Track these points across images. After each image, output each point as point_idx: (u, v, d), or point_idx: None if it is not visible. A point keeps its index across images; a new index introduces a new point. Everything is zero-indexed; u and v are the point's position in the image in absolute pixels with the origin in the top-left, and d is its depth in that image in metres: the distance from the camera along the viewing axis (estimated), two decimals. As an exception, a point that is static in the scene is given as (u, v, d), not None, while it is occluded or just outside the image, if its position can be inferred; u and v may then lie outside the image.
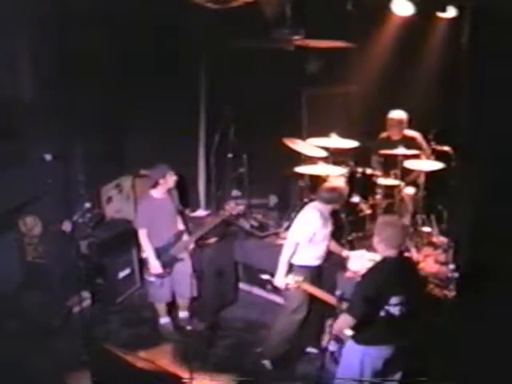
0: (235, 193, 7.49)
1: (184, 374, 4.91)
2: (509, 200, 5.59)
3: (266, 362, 5.46)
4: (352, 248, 6.29)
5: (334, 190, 5.32)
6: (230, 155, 7.14)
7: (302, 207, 6.67)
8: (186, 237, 6.01)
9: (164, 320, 6.07)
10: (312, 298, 5.12)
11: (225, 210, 5.97)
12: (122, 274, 6.60)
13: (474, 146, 6.17)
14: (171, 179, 5.84)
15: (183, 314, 6.13)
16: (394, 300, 4.07)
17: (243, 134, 7.15)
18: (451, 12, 6.67)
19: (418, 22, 6.87)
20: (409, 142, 6.53)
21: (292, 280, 4.81)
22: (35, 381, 5.15)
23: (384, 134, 6.81)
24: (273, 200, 7.80)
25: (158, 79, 6.95)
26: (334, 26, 7.01)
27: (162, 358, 5.56)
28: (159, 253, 5.79)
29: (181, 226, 6.04)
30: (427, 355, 5.07)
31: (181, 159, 7.42)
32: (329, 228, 5.42)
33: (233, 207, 5.92)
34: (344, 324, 4.10)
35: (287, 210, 7.36)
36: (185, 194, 7.39)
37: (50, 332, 5.78)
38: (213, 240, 6.39)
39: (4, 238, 6.15)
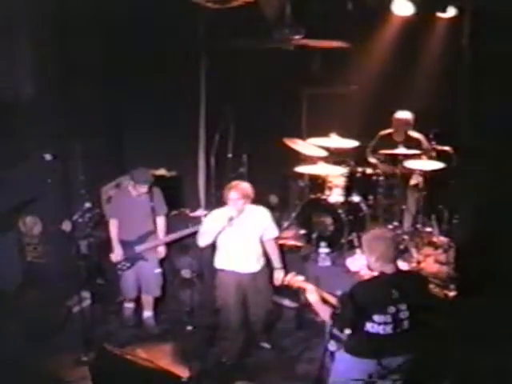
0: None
1: (184, 374, 4.90)
2: (509, 200, 5.59)
3: (265, 344, 5.52)
4: (352, 247, 6.30)
5: (228, 187, 5.26)
6: (229, 155, 7.14)
7: (301, 207, 6.72)
8: (154, 238, 5.99)
9: (128, 304, 6.20)
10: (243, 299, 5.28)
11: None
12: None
13: (474, 146, 6.18)
14: (138, 189, 5.81)
15: (147, 314, 6.17)
16: (379, 318, 3.90)
17: (243, 134, 7.15)
18: (451, 12, 6.68)
19: (418, 22, 6.87)
20: (411, 143, 6.52)
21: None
22: (35, 381, 5.15)
23: (386, 132, 6.78)
24: (273, 200, 7.80)
25: (157, 79, 6.95)
26: (334, 25, 7.03)
27: (162, 358, 5.54)
28: (125, 246, 5.90)
29: (151, 227, 5.98)
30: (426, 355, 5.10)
31: (181, 159, 7.44)
32: (238, 229, 5.20)
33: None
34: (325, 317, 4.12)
35: (287, 209, 7.37)
36: (185, 194, 7.42)
37: (50, 332, 5.77)
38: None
39: (4, 238, 6.15)
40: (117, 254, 5.91)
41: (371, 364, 4.01)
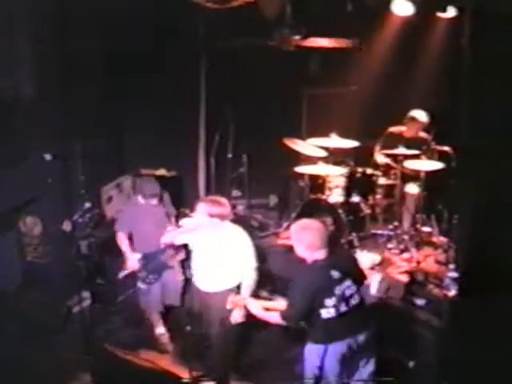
0: (235, 193, 7.49)
1: (184, 374, 4.90)
2: (509, 200, 5.59)
3: None
4: (352, 247, 6.30)
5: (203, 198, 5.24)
6: (229, 155, 7.15)
7: (301, 207, 6.72)
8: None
9: (159, 330, 5.87)
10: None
11: None
12: (122, 274, 6.58)
13: (474, 146, 6.18)
14: (150, 201, 5.62)
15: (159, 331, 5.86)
16: (329, 302, 4.04)
17: (243, 133, 7.15)
18: (451, 12, 6.68)
19: (417, 22, 6.87)
20: (414, 142, 6.51)
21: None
22: (35, 381, 5.15)
23: (396, 129, 6.77)
24: (273, 200, 7.81)
25: (157, 79, 6.95)
26: (334, 26, 7.03)
27: (162, 358, 5.55)
28: (147, 260, 5.57)
29: None
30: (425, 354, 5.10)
31: (181, 159, 7.45)
32: (204, 246, 4.94)
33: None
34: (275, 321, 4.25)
35: (287, 209, 7.38)
36: (185, 194, 7.42)
37: (50, 332, 5.77)
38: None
39: (4, 238, 6.14)
40: (132, 261, 5.61)
41: (341, 346, 4.15)
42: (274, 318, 4.30)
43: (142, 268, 5.60)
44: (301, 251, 4.22)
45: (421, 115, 6.56)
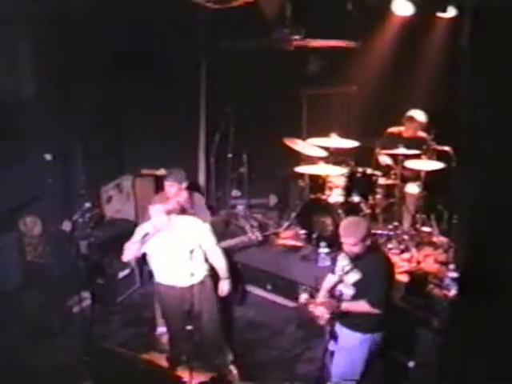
0: (235, 193, 7.49)
1: (184, 374, 4.90)
2: (509, 200, 5.59)
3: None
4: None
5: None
6: (229, 155, 7.15)
7: (301, 207, 6.72)
8: None
9: (160, 330, 5.86)
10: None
11: None
12: (121, 274, 6.58)
13: (474, 146, 6.18)
14: (169, 190, 5.48)
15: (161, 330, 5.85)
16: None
17: (243, 134, 7.15)
18: (451, 12, 6.68)
19: (418, 22, 6.87)
20: (413, 142, 6.51)
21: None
22: (35, 380, 5.15)
23: (396, 130, 6.78)
24: (273, 200, 7.81)
25: (158, 79, 6.96)
26: (334, 26, 7.04)
27: (162, 358, 5.55)
28: None
29: None
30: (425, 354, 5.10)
31: (181, 159, 7.44)
32: (166, 243, 4.88)
33: None
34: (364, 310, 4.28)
35: (287, 209, 7.38)
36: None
37: (50, 332, 5.77)
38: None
39: (4, 238, 6.15)
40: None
41: (380, 334, 4.40)
42: (362, 306, 4.29)
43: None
44: (358, 246, 4.28)
45: (419, 115, 6.58)
